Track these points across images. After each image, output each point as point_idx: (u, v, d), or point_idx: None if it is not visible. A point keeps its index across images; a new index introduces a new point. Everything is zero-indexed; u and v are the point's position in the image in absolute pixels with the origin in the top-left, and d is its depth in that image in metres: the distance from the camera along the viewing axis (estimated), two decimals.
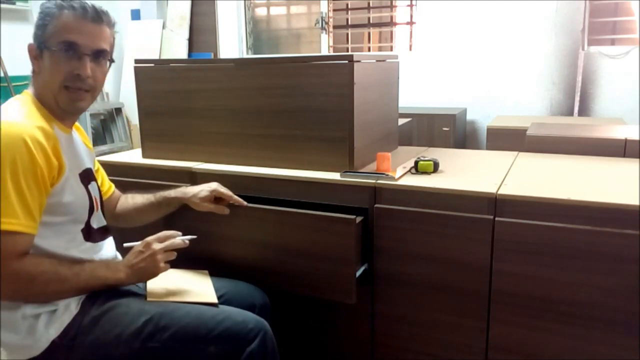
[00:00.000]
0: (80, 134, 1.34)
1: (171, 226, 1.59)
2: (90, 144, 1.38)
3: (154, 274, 1.22)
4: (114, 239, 1.36)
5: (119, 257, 1.34)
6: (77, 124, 1.31)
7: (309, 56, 1.57)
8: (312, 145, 1.53)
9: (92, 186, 1.28)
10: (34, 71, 1.20)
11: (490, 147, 2.94)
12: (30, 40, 1.19)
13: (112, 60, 1.24)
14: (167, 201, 1.46)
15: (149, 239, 1.22)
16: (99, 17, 1.19)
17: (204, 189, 1.45)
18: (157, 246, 1.22)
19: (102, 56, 1.20)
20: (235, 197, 1.47)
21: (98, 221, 1.28)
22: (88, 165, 1.30)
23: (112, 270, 1.19)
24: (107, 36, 1.21)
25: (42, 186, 1.08)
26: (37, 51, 1.17)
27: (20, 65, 3.60)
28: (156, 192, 1.47)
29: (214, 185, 1.46)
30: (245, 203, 1.47)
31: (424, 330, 1.43)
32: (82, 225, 1.22)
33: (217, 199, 1.46)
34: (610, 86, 3.49)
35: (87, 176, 1.26)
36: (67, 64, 1.15)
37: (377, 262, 1.45)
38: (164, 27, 4.63)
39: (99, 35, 1.19)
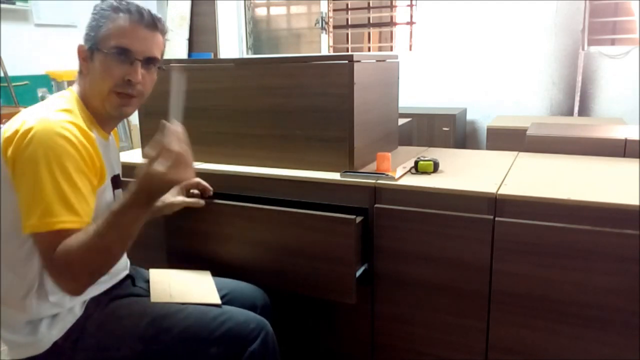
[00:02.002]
0: (115, 137, 1.32)
1: (172, 227, 1.59)
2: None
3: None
4: None
5: (128, 262, 1.34)
6: None
7: (309, 56, 1.56)
8: (312, 145, 1.53)
9: (118, 193, 1.26)
10: (80, 72, 1.18)
11: (490, 147, 2.94)
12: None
13: (161, 68, 1.22)
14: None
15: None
16: (154, 23, 1.17)
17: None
18: (185, 150, 1.02)
19: (152, 63, 1.18)
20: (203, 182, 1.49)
21: None
22: (117, 171, 1.29)
23: (140, 208, 1.03)
24: (160, 43, 1.19)
25: (91, 177, 1.06)
26: (88, 52, 1.15)
27: (20, 65, 3.62)
28: None
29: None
30: (210, 189, 1.51)
31: (424, 330, 1.43)
32: None
33: (190, 194, 1.47)
34: (610, 86, 3.49)
35: (115, 183, 1.25)
36: (118, 69, 1.13)
37: (377, 262, 1.45)
38: None
39: (152, 42, 1.17)
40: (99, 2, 1.16)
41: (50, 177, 0.99)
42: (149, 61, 1.17)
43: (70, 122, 1.06)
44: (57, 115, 1.07)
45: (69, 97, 1.16)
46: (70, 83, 3.81)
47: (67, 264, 0.98)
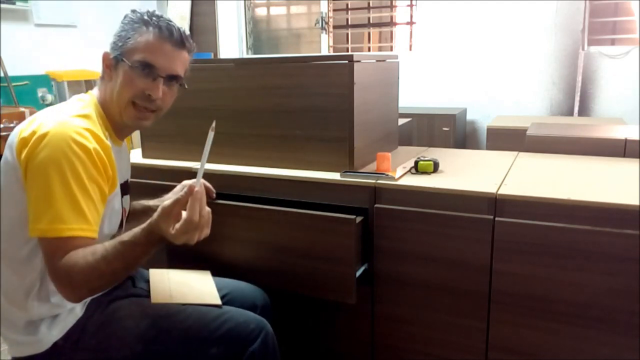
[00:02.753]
0: (128, 142, 1.32)
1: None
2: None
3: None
4: None
5: None
6: None
7: (309, 56, 1.56)
8: (312, 145, 1.53)
9: (125, 199, 1.26)
10: (102, 77, 1.18)
11: (490, 147, 2.94)
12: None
13: (182, 85, 1.22)
14: (146, 210, 1.40)
15: (192, 216, 0.99)
16: (182, 42, 1.16)
17: (175, 191, 1.38)
18: (204, 216, 1.02)
19: (175, 80, 1.18)
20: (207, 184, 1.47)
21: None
22: (127, 177, 1.29)
23: (150, 246, 1.04)
24: (185, 61, 1.19)
25: (103, 185, 1.07)
26: (113, 61, 1.15)
27: (20, 65, 3.61)
28: (136, 201, 1.43)
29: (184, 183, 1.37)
30: (213, 191, 1.50)
31: (424, 330, 1.43)
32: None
33: None
34: (610, 86, 3.50)
35: (124, 189, 1.25)
36: (140, 83, 1.13)
37: (377, 262, 1.45)
38: None
39: (178, 60, 1.17)
40: (129, 12, 1.16)
41: (63, 183, 1.00)
42: (172, 78, 1.17)
43: (86, 128, 1.06)
44: (74, 120, 1.07)
45: (88, 101, 1.16)
46: (70, 83, 3.82)
47: (70, 277, 0.99)
